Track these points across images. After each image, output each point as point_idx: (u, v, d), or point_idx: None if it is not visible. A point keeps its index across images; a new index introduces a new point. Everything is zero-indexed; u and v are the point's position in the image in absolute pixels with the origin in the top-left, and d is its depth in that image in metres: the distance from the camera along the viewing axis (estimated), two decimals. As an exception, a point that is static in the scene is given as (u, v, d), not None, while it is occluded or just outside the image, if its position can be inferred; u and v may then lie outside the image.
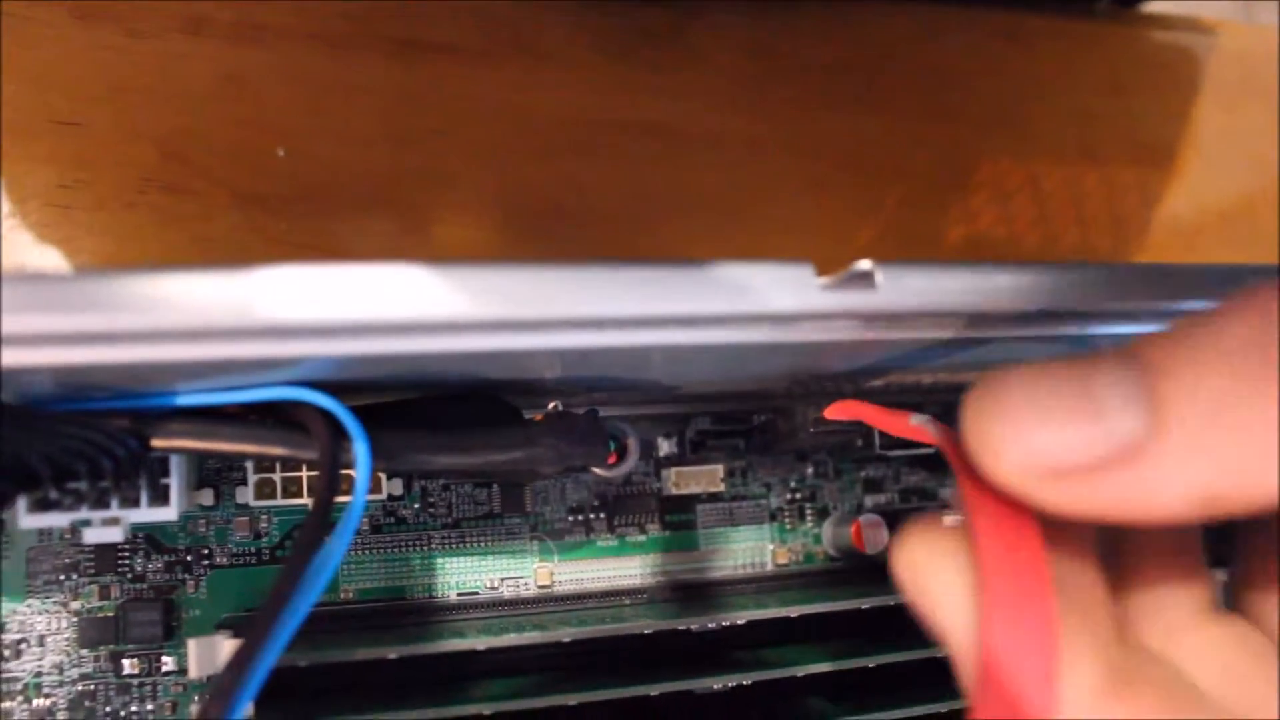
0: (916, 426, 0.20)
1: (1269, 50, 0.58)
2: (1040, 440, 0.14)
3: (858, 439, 0.37)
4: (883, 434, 0.36)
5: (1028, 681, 0.14)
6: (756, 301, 0.21)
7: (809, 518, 0.39)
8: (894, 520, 0.37)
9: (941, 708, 0.32)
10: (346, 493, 0.23)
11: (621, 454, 0.31)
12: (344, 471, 0.23)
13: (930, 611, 0.16)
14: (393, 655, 0.29)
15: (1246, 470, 0.13)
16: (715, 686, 0.32)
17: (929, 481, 0.40)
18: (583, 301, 0.20)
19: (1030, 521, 0.15)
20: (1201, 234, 0.57)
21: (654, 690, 0.30)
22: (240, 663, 0.20)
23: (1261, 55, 0.58)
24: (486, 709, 0.29)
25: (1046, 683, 0.14)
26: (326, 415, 0.23)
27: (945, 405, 0.37)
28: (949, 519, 0.17)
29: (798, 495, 0.39)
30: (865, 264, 0.21)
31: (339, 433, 0.23)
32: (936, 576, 0.16)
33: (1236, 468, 0.13)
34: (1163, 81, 0.57)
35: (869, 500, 0.39)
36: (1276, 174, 0.57)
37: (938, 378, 0.32)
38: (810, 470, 0.39)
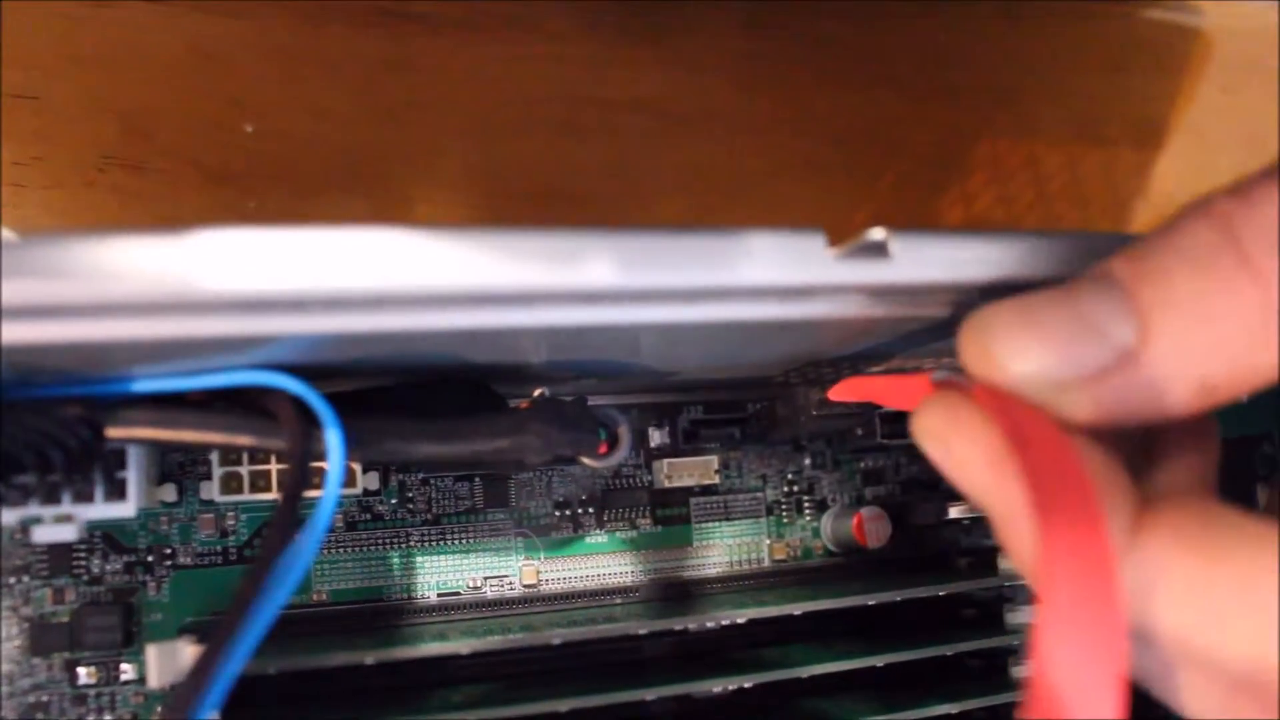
0: (940, 381, 0.19)
1: (1269, 29, 0.57)
2: (1045, 357, 0.16)
3: (857, 427, 0.35)
4: (885, 423, 0.35)
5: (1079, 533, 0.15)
6: (763, 273, 0.19)
7: (807, 511, 0.37)
8: (896, 512, 0.36)
9: (953, 708, 0.31)
10: (319, 487, 0.21)
11: (612, 443, 0.29)
12: (316, 464, 0.22)
13: (956, 470, 0.18)
14: (370, 660, 0.27)
15: (1230, 353, 0.15)
16: (715, 690, 0.31)
17: (931, 472, 0.38)
18: (575, 272, 0.18)
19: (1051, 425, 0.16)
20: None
21: (650, 695, 0.29)
22: (202, 670, 0.19)
23: (1261, 34, 0.57)
24: (470, 717, 0.27)
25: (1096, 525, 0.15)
26: (297, 401, 0.22)
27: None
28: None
29: (795, 488, 0.37)
30: (878, 233, 0.20)
31: (310, 420, 0.22)
32: (958, 439, 0.17)
33: (1221, 353, 0.15)
34: (1162, 61, 0.56)
35: (869, 492, 0.38)
36: (1276, 154, 0.56)
37: (941, 363, 0.30)
38: (808, 461, 0.37)
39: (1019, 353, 0.16)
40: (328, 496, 0.21)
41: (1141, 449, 0.19)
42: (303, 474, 0.22)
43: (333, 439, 0.22)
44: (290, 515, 0.21)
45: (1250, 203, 0.15)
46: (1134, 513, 0.16)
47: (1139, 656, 0.16)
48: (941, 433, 0.18)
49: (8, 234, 0.16)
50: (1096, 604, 0.14)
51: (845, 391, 0.25)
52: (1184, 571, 0.15)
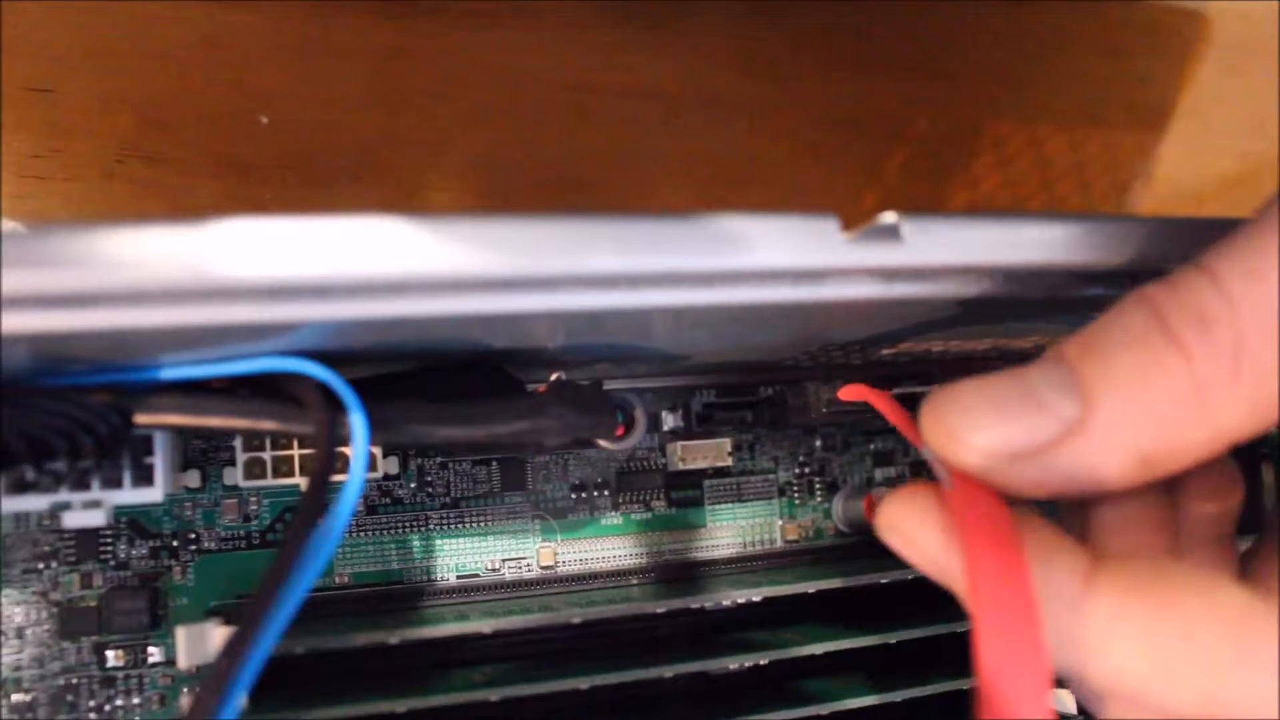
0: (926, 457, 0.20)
1: (1270, 12, 0.57)
2: (998, 429, 0.17)
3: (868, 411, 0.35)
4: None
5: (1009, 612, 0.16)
6: (778, 257, 0.20)
7: (818, 492, 0.38)
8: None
9: (963, 684, 0.31)
10: (342, 470, 0.22)
11: (629, 426, 0.30)
12: (338, 449, 0.22)
13: (913, 557, 0.19)
14: (393, 641, 0.28)
15: (1163, 426, 0.16)
16: (731, 667, 0.31)
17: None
18: (593, 257, 0.18)
19: (999, 506, 0.18)
20: (1202, 198, 0.57)
21: (669, 672, 0.29)
22: (236, 650, 0.19)
23: (1263, 17, 0.57)
24: (493, 695, 0.27)
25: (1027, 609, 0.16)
26: (321, 387, 0.22)
27: (956, 374, 0.36)
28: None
29: (806, 469, 0.38)
30: (890, 216, 0.20)
31: (335, 405, 0.22)
32: (914, 529, 0.19)
33: (1155, 425, 0.16)
34: (1164, 43, 0.56)
35: (879, 473, 0.38)
36: (1277, 136, 0.57)
37: (949, 345, 0.31)
38: (819, 444, 0.38)
39: (976, 425, 0.17)
40: (353, 480, 0.22)
41: (1167, 504, 0.21)
42: (330, 457, 0.22)
43: (357, 423, 0.22)
44: (318, 498, 0.21)
45: (1174, 288, 0.16)
46: (1086, 568, 0.17)
47: (1095, 711, 0.18)
48: (898, 522, 0.19)
49: (15, 225, 0.16)
50: (1024, 653, 0.16)
51: (855, 394, 0.26)
52: (1134, 617, 0.16)
